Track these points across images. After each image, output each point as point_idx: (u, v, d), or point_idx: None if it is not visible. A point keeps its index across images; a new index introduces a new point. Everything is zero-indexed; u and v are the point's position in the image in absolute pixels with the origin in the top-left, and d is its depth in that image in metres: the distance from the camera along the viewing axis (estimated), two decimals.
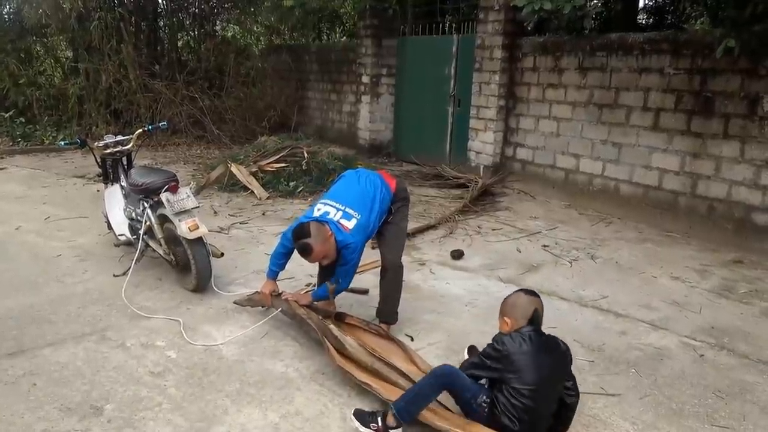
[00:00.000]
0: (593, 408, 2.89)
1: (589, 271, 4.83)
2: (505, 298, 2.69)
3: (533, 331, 2.49)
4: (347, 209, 3.29)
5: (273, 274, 3.59)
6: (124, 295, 3.93)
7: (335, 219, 3.25)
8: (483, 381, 2.61)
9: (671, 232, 5.92)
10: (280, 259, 3.52)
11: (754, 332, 3.76)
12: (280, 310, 3.52)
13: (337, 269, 3.36)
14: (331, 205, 3.34)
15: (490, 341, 2.56)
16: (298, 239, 3.18)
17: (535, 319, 2.54)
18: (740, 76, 5.35)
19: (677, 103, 5.88)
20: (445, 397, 2.61)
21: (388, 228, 3.50)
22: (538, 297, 2.65)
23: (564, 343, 2.60)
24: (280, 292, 3.59)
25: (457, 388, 2.52)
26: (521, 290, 2.74)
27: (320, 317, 3.30)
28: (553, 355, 2.52)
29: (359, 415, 2.67)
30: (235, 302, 3.84)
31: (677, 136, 5.92)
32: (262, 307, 3.70)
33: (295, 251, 3.31)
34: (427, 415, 2.55)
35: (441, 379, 2.53)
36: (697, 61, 5.67)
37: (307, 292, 3.70)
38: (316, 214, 3.31)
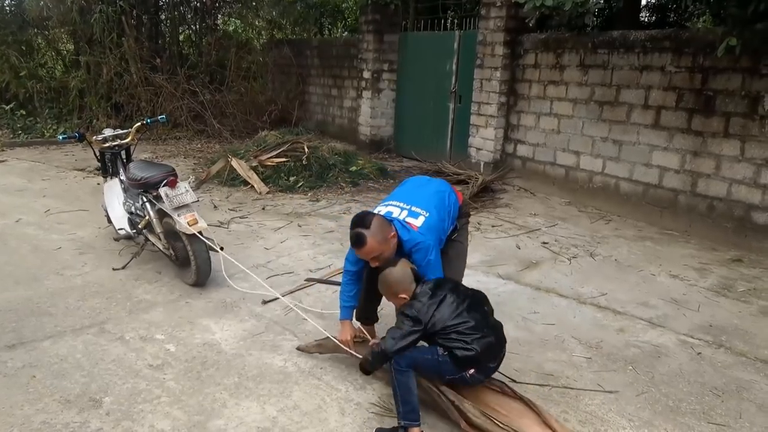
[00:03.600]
0: (590, 405, 2.90)
1: (588, 268, 4.84)
2: (381, 283, 2.74)
3: (422, 284, 2.69)
4: (413, 207, 2.92)
5: (348, 313, 3.06)
6: (225, 274, 3.93)
7: (400, 218, 2.87)
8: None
9: (671, 230, 5.92)
10: (350, 291, 3.04)
11: (752, 331, 3.77)
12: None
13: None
14: (395, 205, 2.95)
15: (400, 314, 2.67)
16: (354, 227, 2.78)
17: (416, 274, 2.72)
18: (741, 74, 5.34)
19: (678, 101, 5.87)
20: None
21: (452, 246, 3.13)
22: (399, 259, 2.77)
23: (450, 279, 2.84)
24: (362, 338, 3.07)
25: (417, 359, 2.59)
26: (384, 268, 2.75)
27: None
28: (447, 285, 2.71)
29: None
30: (299, 348, 3.31)
31: (678, 134, 5.91)
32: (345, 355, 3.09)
33: (356, 272, 3.02)
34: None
35: (402, 362, 2.56)
36: (698, 60, 5.66)
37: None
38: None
